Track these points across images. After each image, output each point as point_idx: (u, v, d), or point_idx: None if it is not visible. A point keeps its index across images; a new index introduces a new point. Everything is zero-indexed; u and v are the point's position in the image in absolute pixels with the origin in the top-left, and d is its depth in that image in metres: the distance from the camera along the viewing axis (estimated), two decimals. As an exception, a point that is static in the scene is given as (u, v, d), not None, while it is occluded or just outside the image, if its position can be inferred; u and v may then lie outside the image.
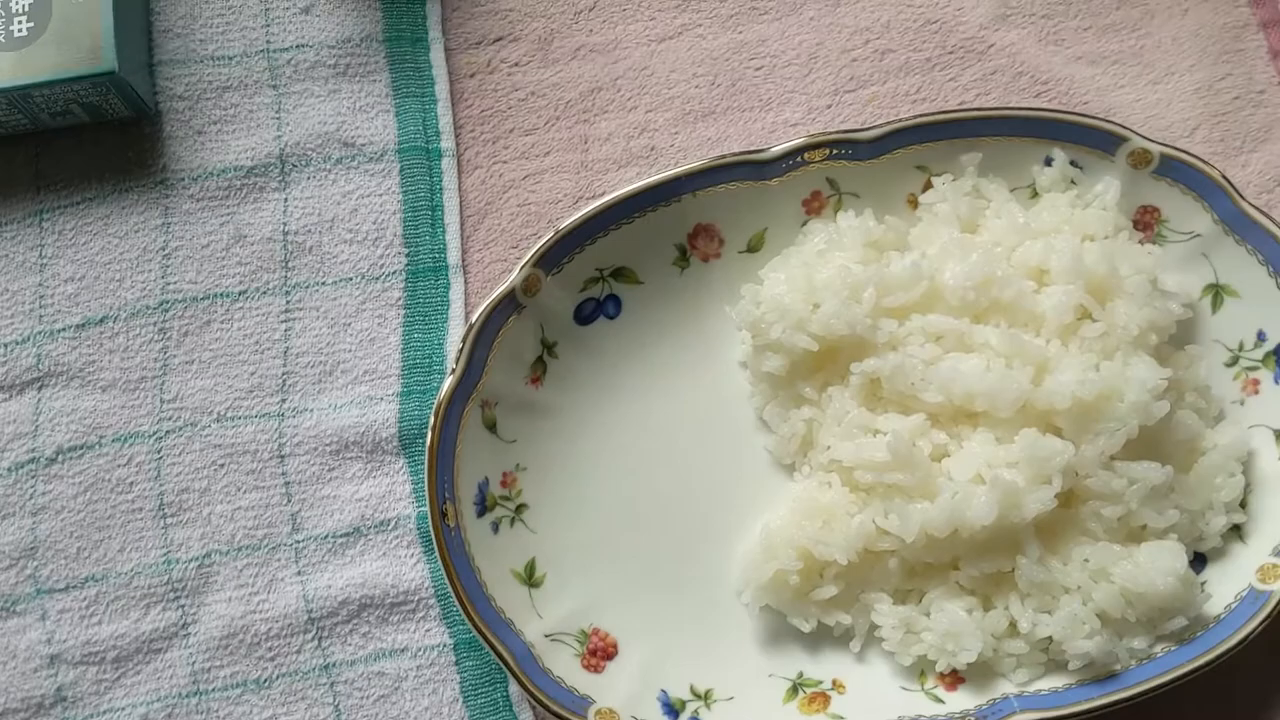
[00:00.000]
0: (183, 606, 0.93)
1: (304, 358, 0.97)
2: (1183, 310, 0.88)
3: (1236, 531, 0.87)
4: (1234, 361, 0.90)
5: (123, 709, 0.91)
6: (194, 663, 0.92)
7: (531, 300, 0.91)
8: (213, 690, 0.92)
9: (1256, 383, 0.89)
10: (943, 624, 0.84)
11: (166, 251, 0.99)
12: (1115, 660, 0.82)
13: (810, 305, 0.87)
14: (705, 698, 0.87)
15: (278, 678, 0.92)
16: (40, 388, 0.97)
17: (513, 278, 0.89)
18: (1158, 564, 0.82)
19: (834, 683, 0.87)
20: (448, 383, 0.87)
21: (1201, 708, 0.87)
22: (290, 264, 0.99)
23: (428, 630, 0.92)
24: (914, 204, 0.93)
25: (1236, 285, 0.90)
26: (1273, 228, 0.87)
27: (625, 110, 1.01)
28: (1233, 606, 0.83)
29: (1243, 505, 0.87)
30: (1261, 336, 0.89)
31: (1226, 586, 0.85)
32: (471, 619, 0.84)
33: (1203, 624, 0.83)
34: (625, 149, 1.00)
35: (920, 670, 0.87)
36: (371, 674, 0.92)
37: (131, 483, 0.95)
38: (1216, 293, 0.91)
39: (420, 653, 0.92)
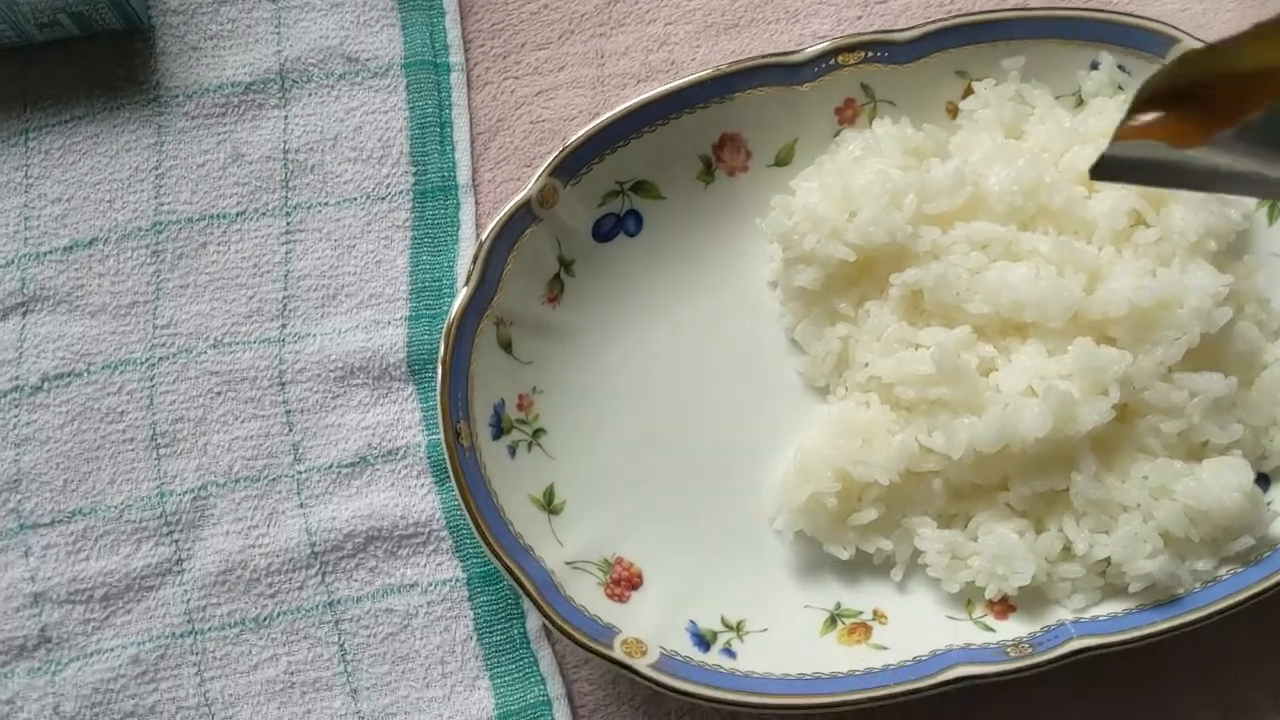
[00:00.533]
0: (177, 541, 0.87)
1: (306, 281, 0.92)
2: (1241, 219, 0.83)
3: (1303, 448, 0.82)
4: (1292, 275, 0.85)
5: (111, 650, 0.85)
6: (189, 600, 0.86)
7: (548, 213, 0.85)
8: (209, 629, 0.86)
9: (1318, 296, 0.84)
10: (992, 547, 0.79)
11: (160, 171, 0.94)
12: (1178, 583, 0.77)
13: (847, 213, 0.82)
14: (738, 629, 0.81)
15: (279, 615, 0.86)
16: (25, 313, 0.91)
17: (528, 187, 0.84)
18: (1222, 480, 0.76)
19: (875, 613, 0.82)
20: (462, 295, 0.82)
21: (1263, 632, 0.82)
22: (291, 184, 0.93)
23: (439, 564, 0.86)
24: (953, 112, 0.89)
25: (1294, 195, 0.85)
26: (1333, 130, 0.82)
27: (643, 23, 0.96)
28: (1300, 525, 0.78)
29: (1306, 422, 0.82)
30: (1322, 247, 0.84)
31: (1292, 506, 0.80)
32: (489, 544, 0.78)
33: (1269, 544, 0.78)
34: (643, 63, 0.95)
35: (967, 598, 0.81)
36: (379, 611, 0.86)
37: (122, 411, 0.89)
38: (1273, 204, 0.86)
39: (431, 588, 0.86)
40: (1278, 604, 0.77)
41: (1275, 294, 0.84)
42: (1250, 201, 0.86)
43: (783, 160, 0.89)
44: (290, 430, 0.89)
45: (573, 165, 0.85)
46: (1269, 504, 0.80)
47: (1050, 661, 0.75)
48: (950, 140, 0.87)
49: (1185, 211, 0.81)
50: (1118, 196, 0.81)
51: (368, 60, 0.95)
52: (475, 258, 0.83)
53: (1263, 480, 0.81)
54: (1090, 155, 0.82)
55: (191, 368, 0.90)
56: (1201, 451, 0.80)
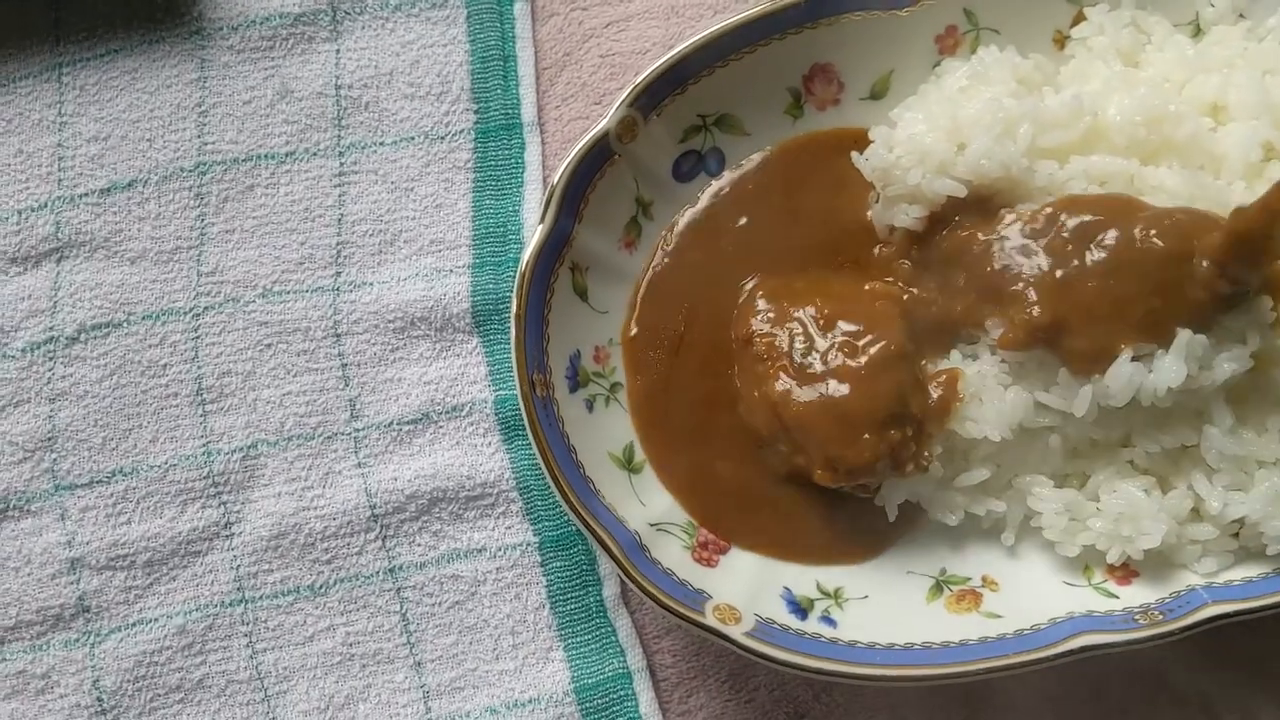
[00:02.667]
0: (225, 503, 0.81)
1: (361, 226, 0.85)
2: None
3: None
4: None
5: (155, 620, 0.79)
6: (238, 566, 0.80)
7: (627, 149, 0.79)
8: (260, 598, 0.80)
9: None
10: (1116, 507, 0.72)
11: (203, 109, 0.87)
12: (1319, 545, 0.71)
13: (955, 146, 0.76)
14: (835, 596, 0.75)
15: (336, 583, 0.80)
16: (59, 259, 0.85)
17: (606, 119, 0.77)
18: (1368, 433, 0.70)
19: (984, 579, 0.76)
20: (536, 237, 0.76)
21: None
22: (344, 122, 0.87)
23: (509, 527, 0.80)
24: (1061, 43, 0.82)
25: None
26: None
27: (723, -50, 0.90)
28: None
29: None
30: None
31: None
32: (570, 503, 0.72)
33: None
34: (723, -8, 0.89)
35: (1085, 564, 0.75)
36: (444, 577, 0.80)
37: (165, 365, 0.83)
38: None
39: (500, 553, 0.80)
40: None
41: None
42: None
43: (878, 93, 0.83)
44: (346, 385, 0.83)
45: (653, 97, 0.79)
46: None
47: (1184, 629, 0.69)
48: (1060, 71, 0.80)
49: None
50: (1249, 128, 0.75)
51: (425, -10, 0.89)
52: (549, 198, 0.76)
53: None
54: (1217, 84, 0.76)
55: (239, 318, 0.84)
56: (1341, 404, 0.73)
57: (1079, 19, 0.81)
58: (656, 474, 0.78)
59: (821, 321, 0.76)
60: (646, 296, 0.81)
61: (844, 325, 0.76)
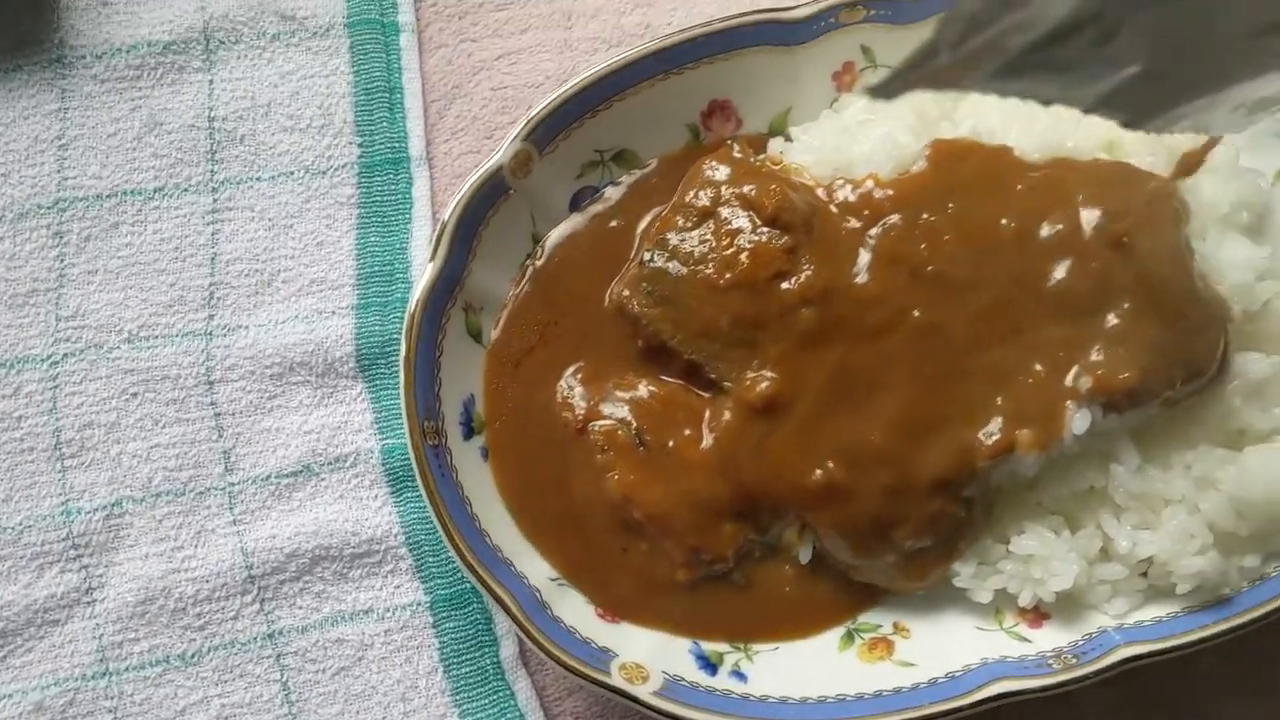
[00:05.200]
0: (86, 567, 0.75)
1: (236, 265, 0.80)
2: (1269, 186, 0.77)
3: (1340, 437, 0.76)
4: (1317, 252, 0.80)
5: (9, 696, 0.72)
6: (101, 636, 0.74)
7: (521, 184, 0.76)
8: (126, 669, 0.73)
9: (1344, 275, 0.79)
10: (1026, 548, 0.71)
11: (63, 142, 0.81)
12: (1226, 582, 0.70)
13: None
14: (745, 649, 0.72)
15: (209, 651, 0.74)
16: (-101, 304, 0.78)
17: (499, 154, 0.74)
18: (1270, 468, 0.70)
19: (896, 626, 0.74)
20: (426, 276, 0.72)
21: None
22: (217, 156, 0.82)
23: (398, 586, 0.76)
24: (957, 80, 0.81)
25: (1315, 166, 0.80)
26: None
27: (615, -17, 0.87)
28: (1350, 518, 0.72)
29: (1341, 408, 0.76)
30: (1347, 222, 0.79)
31: (1337, 497, 0.73)
32: (464, 559, 0.68)
33: (1319, 539, 0.72)
34: (616, 26, 0.87)
35: (997, 607, 0.73)
36: (328, 642, 0.75)
37: (19, 417, 0.77)
38: (1291, 177, 0.81)
39: (389, 614, 0.75)
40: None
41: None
42: (1268, 174, 0.81)
43: (776, 129, 0.81)
44: (220, 436, 0.77)
45: (547, 131, 0.76)
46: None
47: (1098, 672, 0.68)
48: (959, 105, 0.80)
49: (1215, 182, 0.75)
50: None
51: (306, 18, 0.85)
52: (440, 234, 0.73)
53: (1301, 469, 0.76)
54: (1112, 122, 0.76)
55: (102, 365, 0.78)
56: (1239, 440, 0.73)
57: (976, 55, 0.81)
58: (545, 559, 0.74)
59: (658, 405, 0.73)
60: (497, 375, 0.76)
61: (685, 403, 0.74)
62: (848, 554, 0.71)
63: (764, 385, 0.70)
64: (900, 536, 0.69)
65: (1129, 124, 0.56)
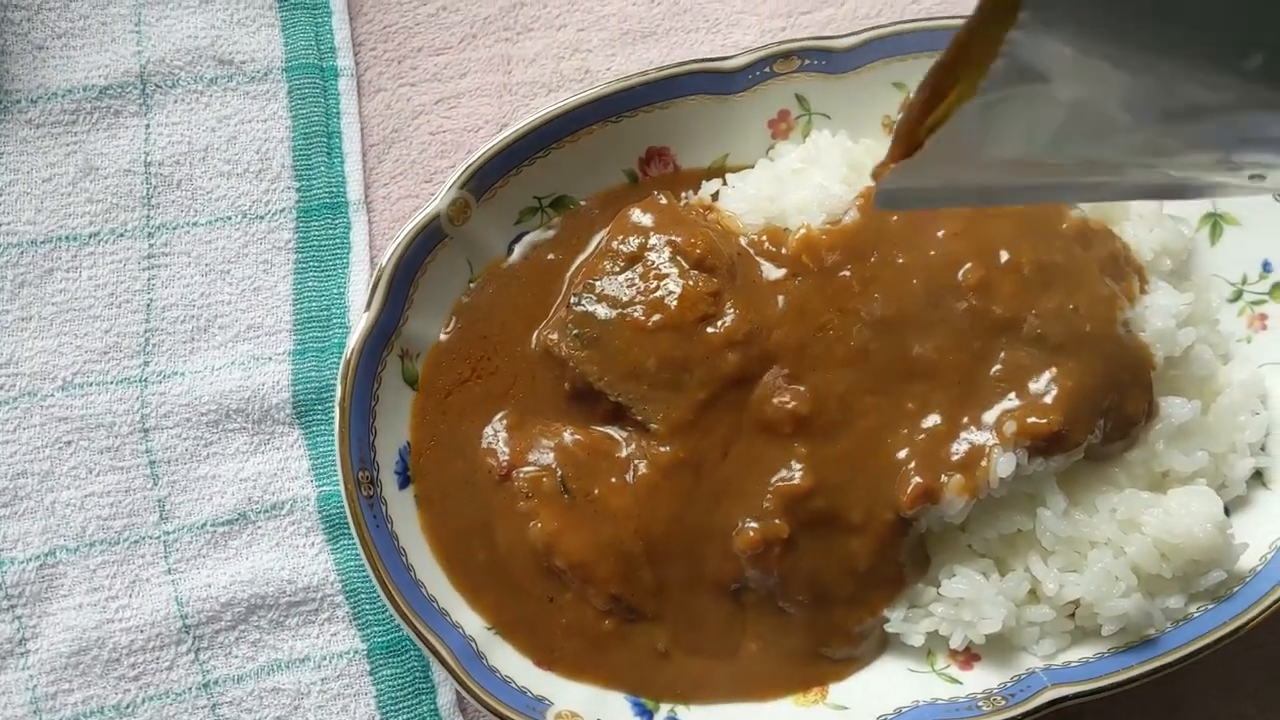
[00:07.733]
0: (19, 617, 0.74)
1: (172, 311, 0.80)
2: (1193, 233, 0.79)
3: (1259, 478, 0.78)
4: (1237, 296, 0.82)
5: (-64, 752, 0.71)
6: (35, 687, 0.73)
7: (458, 231, 0.76)
8: (58, 722, 0.73)
9: (1264, 318, 0.81)
10: (956, 591, 0.72)
11: (-5, 186, 0.81)
12: (1150, 623, 0.72)
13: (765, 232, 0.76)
14: (681, 695, 0.73)
15: (144, 701, 0.74)
16: None
17: (437, 200, 0.75)
18: (1192, 511, 0.72)
19: (830, 669, 0.74)
20: (362, 323, 0.72)
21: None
22: (154, 201, 0.82)
23: (334, 634, 0.75)
24: (890, 128, 0.83)
25: (1237, 213, 0.82)
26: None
27: (553, 28, 0.88)
28: (1268, 557, 0.74)
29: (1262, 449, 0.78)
30: (1267, 267, 0.81)
31: (1257, 537, 0.75)
32: (398, 608, 0.68)
33: (1239, 579, 0.74)
34: (555, 71, 0.87)
35: (928, 649, 0.75)
36: (264, 691, 0.74)
37: (-51, 466, 0.76)
38: (1215, 222, 0.83)
39: (326, 662, 0.75)
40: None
41: (1222, 316, 0.81)
42: (1193, 221, 0.83)
43: (715, 171, 0.82)
44: (155, 484, 0.77)
45: (485, 178, 0.77)
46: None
47: (1027, 714, 0.69)
48: (889, 155, 0.81)
49: (1139, 229, 0.77)
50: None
51: (243, 63, 0.85)
52: (376, 281, 0.73)
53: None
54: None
55: (35, 413, 0.77)
56: (1162, 482, 0.75)
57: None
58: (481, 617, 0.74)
59: (582, 453, 0.74)
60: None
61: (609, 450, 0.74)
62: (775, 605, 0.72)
63: (666, 448, 0.71)
64: (831, 587, 0.70)
65: None
